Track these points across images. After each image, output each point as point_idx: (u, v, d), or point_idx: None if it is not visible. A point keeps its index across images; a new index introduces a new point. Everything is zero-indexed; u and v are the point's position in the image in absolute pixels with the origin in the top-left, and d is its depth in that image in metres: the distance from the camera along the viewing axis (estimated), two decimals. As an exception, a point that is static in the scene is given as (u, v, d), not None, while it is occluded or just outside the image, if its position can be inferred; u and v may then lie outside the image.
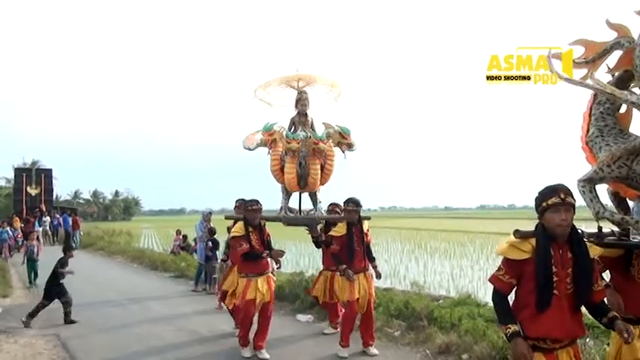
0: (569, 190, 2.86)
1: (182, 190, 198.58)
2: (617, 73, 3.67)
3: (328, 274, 6.75)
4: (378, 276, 6.33)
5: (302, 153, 6.43)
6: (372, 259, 6.22)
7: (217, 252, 10.49)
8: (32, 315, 7.94)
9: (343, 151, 6.68)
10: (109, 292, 11.02)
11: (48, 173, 30.32)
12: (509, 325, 2.81)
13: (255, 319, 6.02)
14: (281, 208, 6.85)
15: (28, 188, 27.97)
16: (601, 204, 3.48)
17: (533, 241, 2.85)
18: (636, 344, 3.09)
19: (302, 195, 6.92)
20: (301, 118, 6.92)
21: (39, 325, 7.89)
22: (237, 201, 7.30)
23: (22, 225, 22.53)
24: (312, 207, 6.94)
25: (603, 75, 3.68)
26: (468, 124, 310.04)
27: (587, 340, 5.40)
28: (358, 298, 5.87)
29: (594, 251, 2.98)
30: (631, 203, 3.76)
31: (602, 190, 3.73)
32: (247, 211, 5.96)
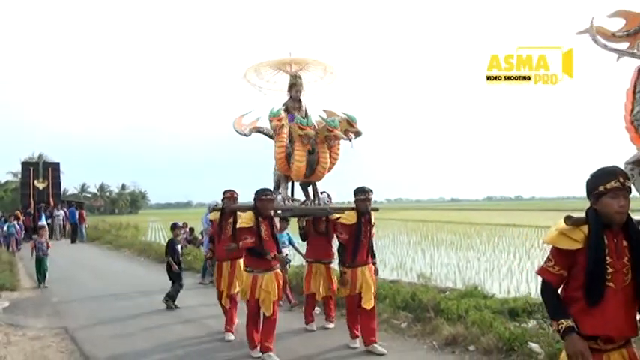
0: (626, 173, 2.67)
1: (189, 184, 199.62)
2: None
3: (317, 267, 6.65)
4: (376, 272, 6.06)
5: (311, 140, 6.21)
6: (372, 255, 5.98)
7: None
8: (172, 298, 8.41)
9: (350, 140, 6.35)
10: (116, 284, 11.08)
11: (55, 167, 30.14)
12: (562, 320, 2.57)
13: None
14: (282, 198, 6.59)
15: (36, 182, 27.94)
16: None
17: (585, 228, 2.60)
18: None
19: (294, 184, 6.81)
20: (295, 104, 6.72)
21: (47, 318, 7.94)
22: (225, 192, 6.81)
23: (23, 218, 22.52)
24: (302, 197, 6.78)
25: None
26: (475, 116, 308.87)
27: None
28: (360, 292, 5.66)
29: None
30: None
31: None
32: (261, 200, 5.53)
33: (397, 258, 15.59)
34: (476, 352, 5.49)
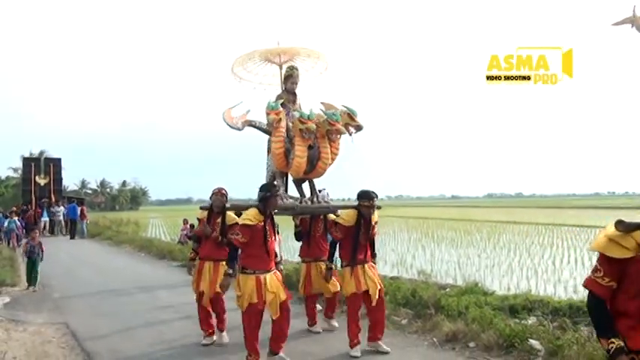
0: None
1: (189, 180, 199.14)
2: None
3: (316, 266, 6.42)
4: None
5: (311, 135, 5.90)
6: (373, 255, 5.81)
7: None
8: None
9: (350, 134, 6.04)
10: (116, 280, 11.09)
11: (57, 163, 30.03)
12: (613, 340, 2.36)
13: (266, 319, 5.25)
14: (281, 196, 6.10)
15: (37, 178, 27.88)
16: None
17: (637, 235, 2.35)
18: None
19: (287, 181, 6.49)
20: (290, 97, 6.37)
21: (47, 313, 7.96)
22: (214, 190, 6.23)
23: (19, 217, 21.03)
24: (298, 195, 6.45)
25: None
26: (476, 114, 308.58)
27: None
28: (368, 290, 5.48)
29: None
30: None
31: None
32: (274, 197, 5.20)
33: (397, 255, 15.60)
34: (476, 349, 5.49)
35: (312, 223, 6.56)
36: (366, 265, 5.59)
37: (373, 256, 5.83)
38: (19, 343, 6.31)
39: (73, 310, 8.18)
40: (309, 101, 6.39)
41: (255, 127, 6.63)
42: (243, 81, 6.91)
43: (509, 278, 11.17)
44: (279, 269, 5.50)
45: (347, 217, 5.67)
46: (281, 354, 5.21)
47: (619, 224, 2.39)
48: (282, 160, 6.10)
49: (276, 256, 5.43)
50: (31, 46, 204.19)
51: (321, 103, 6.20)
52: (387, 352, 5.49)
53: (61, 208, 24.95)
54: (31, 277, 10.35)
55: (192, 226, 16.86)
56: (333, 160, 6.16)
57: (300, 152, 5.86)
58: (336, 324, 6.62)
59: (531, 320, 5.90)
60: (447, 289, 7.79)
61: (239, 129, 6.40)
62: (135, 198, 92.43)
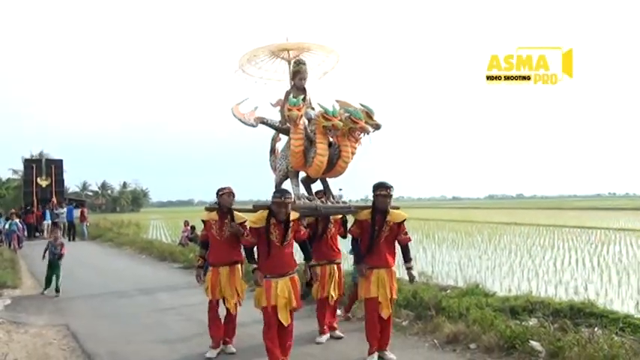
0: None
1: (190, 181, 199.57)
2: None
3: (330, 268, 6.29)
4: (411, 278, 5.70)
5: (331, 133, 5.68)
6: (407, 259, 5.60)
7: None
8: None
9: (368, 133, 5.76)
10: (118, 282, 11.09)
11: (58, 164, 29.91)
12: None
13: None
14: (298, 196, 5.87)
15: (38, 179, 27.83)
16: None
17: None
18: None
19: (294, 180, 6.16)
20: (299, 93, 6.16)
21: (48, 315, 7.96)
22: (222, 189, 6.11)
23: (20, 219, 20.92)
24: (306, 194, 6.19)
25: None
26: (476, 115, 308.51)
27: (596, 329, 5.39)
28: (378, 297, 5.29)
29: None
30: None
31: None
32: (286, 203, 5.00)
33: (398, 256, 15.52)
34: (477, 350, 5.49)
35: (320, 225, 6.38)
36: (383, 271, 5.40)
37: (407, 259, 5.62)
38: (21, 345, 6.32)
39: (74, 312, 8.19)
40: (315, 98, 6.24)
41: (267, 124, 6.39)
42: (251, 77, 6.73)
43: (510, 279, 11.15)
44: (315, 273, 5.40)
45: (362, 214, 5.58)
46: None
47: None
48: (300, 158, 5.81)
49: (310, 258, 5.38)
50: (31, 47, 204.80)
51: (336, 100, 5.97)
52: None
53: (65, 210, 24.92)
54: (51, 280, 9.81)
55: (192, 227, 16.88)
56: (352, 159, 5.90)
57: (322, 150, 5.63)
58: (341, 334, 6.35)
59: (532, 321, 5.90)
60: (448, 291, 7.80)
61: (253, 126, 6.18)
62: (136, 199, 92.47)
